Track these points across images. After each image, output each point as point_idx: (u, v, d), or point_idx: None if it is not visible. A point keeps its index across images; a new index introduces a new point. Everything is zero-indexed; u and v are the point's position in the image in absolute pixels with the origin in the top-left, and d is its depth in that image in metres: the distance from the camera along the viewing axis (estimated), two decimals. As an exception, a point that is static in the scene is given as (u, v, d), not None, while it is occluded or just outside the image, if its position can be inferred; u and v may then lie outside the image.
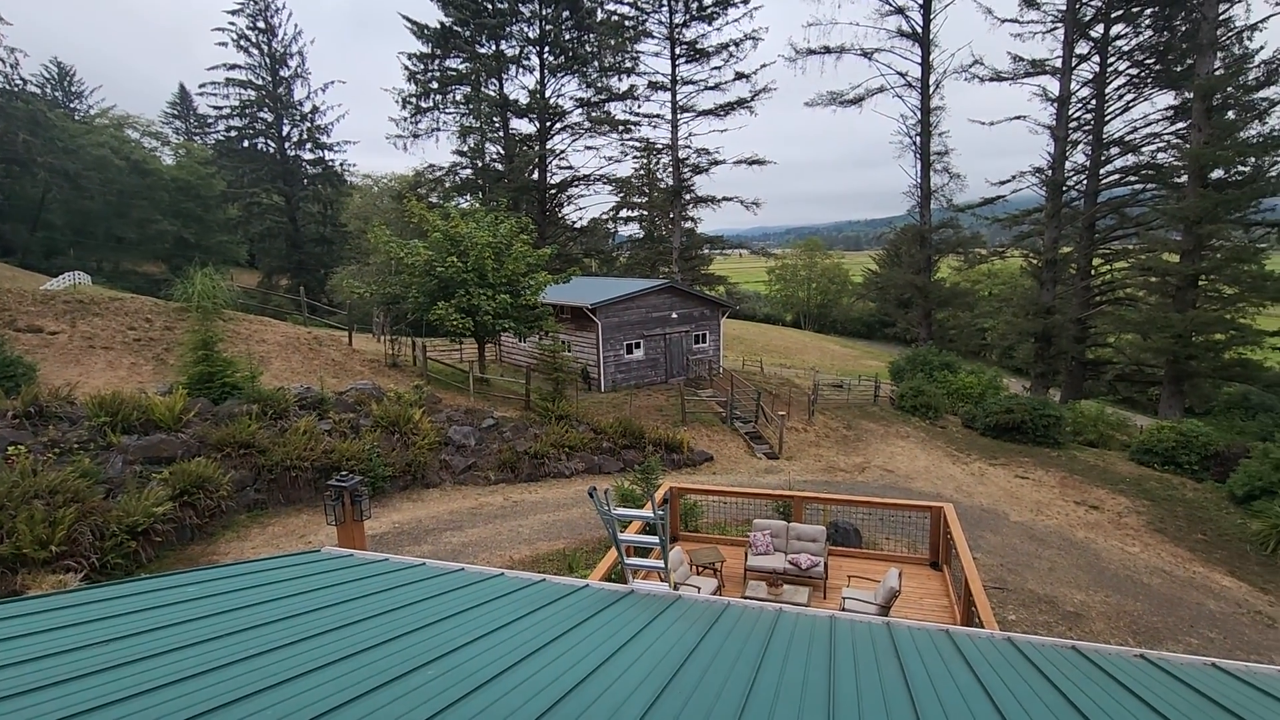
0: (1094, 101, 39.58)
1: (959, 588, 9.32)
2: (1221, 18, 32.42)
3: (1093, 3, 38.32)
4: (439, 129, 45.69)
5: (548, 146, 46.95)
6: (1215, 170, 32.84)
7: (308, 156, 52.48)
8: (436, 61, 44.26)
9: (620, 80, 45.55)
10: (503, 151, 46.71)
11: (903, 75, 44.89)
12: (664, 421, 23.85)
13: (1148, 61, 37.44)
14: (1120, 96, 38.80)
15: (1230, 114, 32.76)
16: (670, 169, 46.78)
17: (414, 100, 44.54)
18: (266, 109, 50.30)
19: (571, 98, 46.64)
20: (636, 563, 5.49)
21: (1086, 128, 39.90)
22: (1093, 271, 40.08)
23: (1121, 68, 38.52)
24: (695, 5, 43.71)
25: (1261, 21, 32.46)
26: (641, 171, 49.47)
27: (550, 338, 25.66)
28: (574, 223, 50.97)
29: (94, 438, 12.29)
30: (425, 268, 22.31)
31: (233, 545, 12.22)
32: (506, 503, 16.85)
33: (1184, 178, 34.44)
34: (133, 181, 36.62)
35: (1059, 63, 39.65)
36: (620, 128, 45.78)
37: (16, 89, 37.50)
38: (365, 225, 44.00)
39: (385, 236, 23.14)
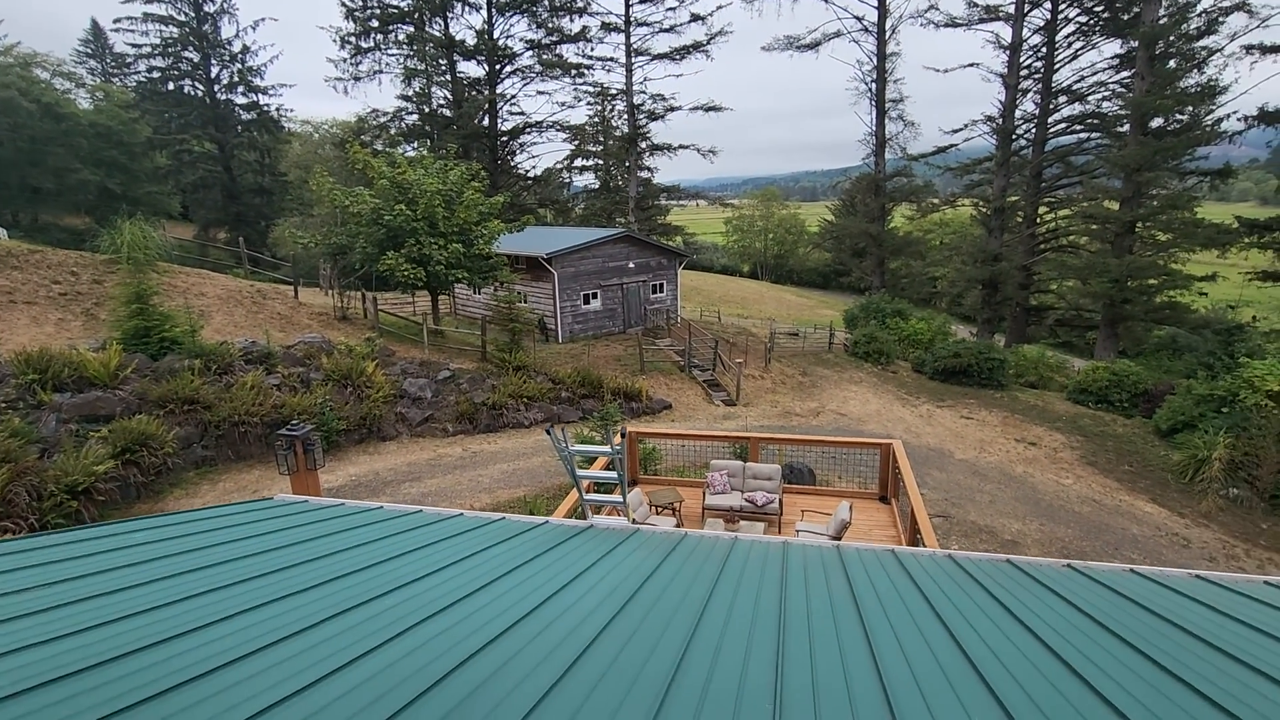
0: (1045, 49, 40.01)
1: (905, 519, 9.76)
2: (1168, -35, 32.89)
3: (1045, -54, 38.38)
4: (381, 71, 43.55)
5: (498, 91, 45.29)
6: (1155, 119, 33.78)
7: (240, 101, 49.39)
8: (376, -3, 41.87)
9: (572, 21, 43.95)
10: (450, 96, 44.87)
11: (859, 20, 44.47)
12: (622, 371, 23.93)
13: (1097, 9, 37.86)
14: (1069, 45, 39.28)
15: (1172, 63, 33.55)
16: (625, 116, 45.76)
17: (353, 40, 42.21)
18: (191, 48, 46.92)
19: (521, 39, 44.87)
20: (596, 498, 5.55)
21: (1037, 75, 40.41)
22: (1038, 219, 41.21)
23: (1072, 15, 38.88)
24: (649, -59, 42.15)
25: (1204, -31, 33.04)
26: (596, 118, 48.26)
27: (505, 289, 25.25)
28: (527, 172, 49.68)
29: (22, 396, 11.68)
30: (372, 216, 21.52)
31: (181, 502, 11.92)
32: (465, 453, 16.80)
33: (1126, 126, 35.36)
34: (46, 126, 33.90)
35: (1012, 9, 39.80)
36: (573, 71, 44.37)
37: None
38: (306, 175, 42.02)
39: (329, 185, 22.16)
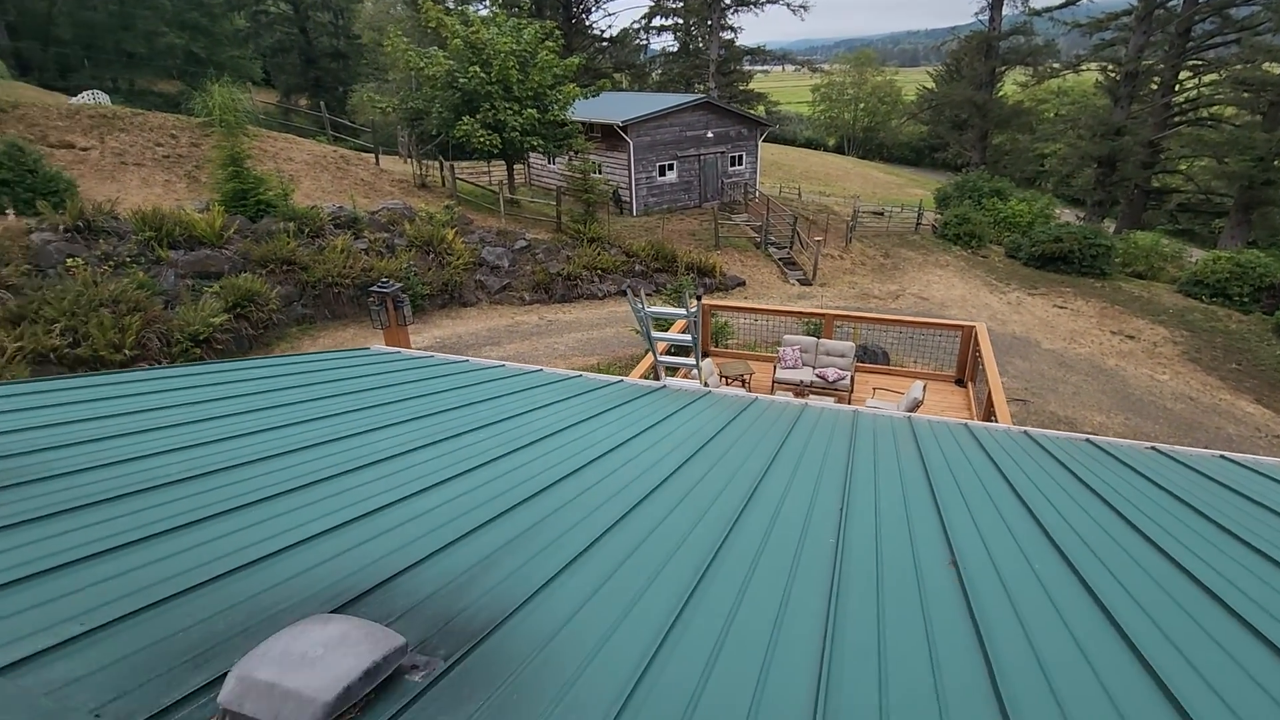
0: None
1: (981, 405, 9.61)
2: None
3: None
4: (453, -81, 40.87)
5: (573, -61, 42.03)
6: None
7: (313, -44, 47.98)
8: None
9: None
10: (523, -54, 41.96)
11: None
12: (696, 246, 23.58)
13: None
14: None
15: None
16: (710, -34, 41.87)
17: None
18: (262, -102, 45.28)
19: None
20: (670, 360, 5.72)
21: (1202, -95, 33.95)
22: (1176, 86, 36.21)
23: None
24: None
25: None
26: (677, -30, 44.42)
27: (580, 158, 24.75)
28: (602, 33, 46.92)
29: (143, 252, 12.70)
30: (447, 79, 21.13)
31: (287, 353, 13.01)
32: (541, 321, 17.36)
33: (1307, -31, 29.73)
34: (132, -13, 34.16)
35: None
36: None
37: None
38: (380, 36, 41.13)
39: (403, 46, 21.71)
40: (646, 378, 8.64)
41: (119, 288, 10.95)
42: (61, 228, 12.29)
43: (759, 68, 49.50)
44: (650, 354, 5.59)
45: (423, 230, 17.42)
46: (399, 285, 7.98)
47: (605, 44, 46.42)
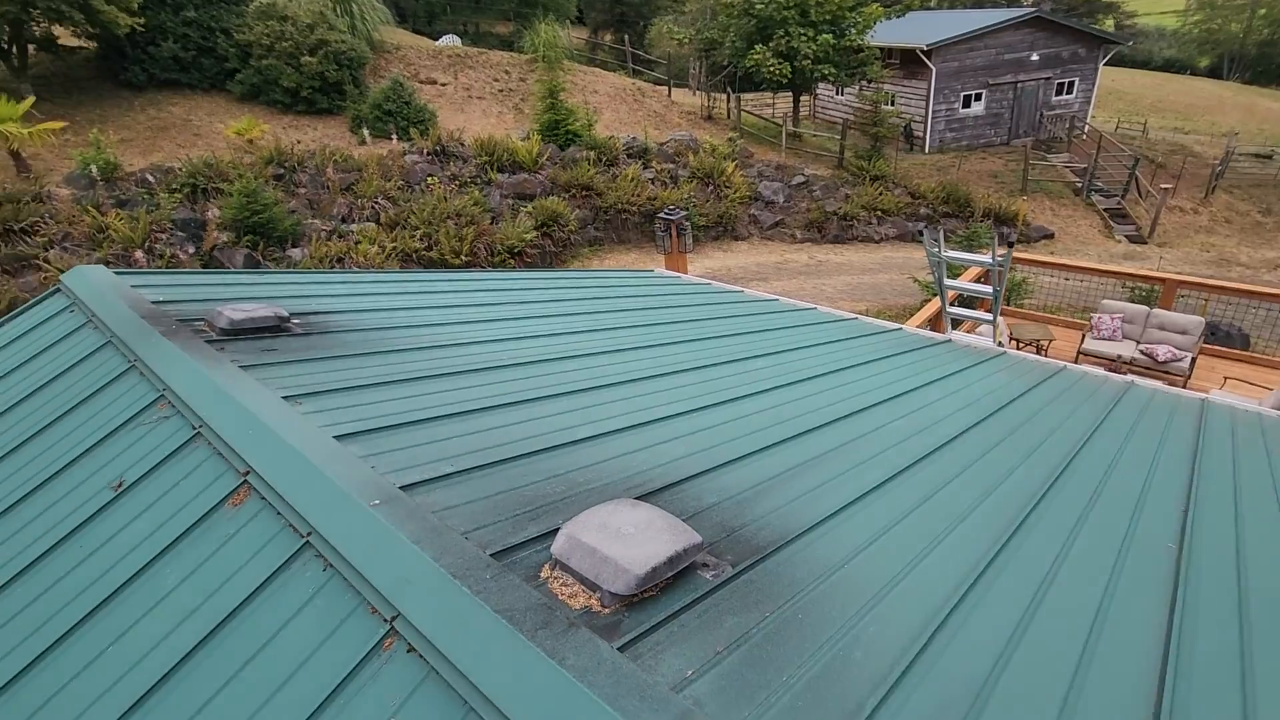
0: None
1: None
2: None
3: None
4: None
5: None
6: None
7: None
8: None
9: None
10: None
11: None
12: (998, 189, 20.68)
13: None
14: None
15: None
16: None
17: None
18: None
19: None
20: (961, 312, 5.17)
21: None
22: None
23: None
24: None
25: None
26: None
27: (873, 88, 22.87)
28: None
29: (479, 174, 15.01)
30: (743, 6, 20.78)
31: (579, 269, 14.53)
32: (811, 261, 16.88)
33: None
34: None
35: None
36: None
37: None
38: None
39: (704, -27, 21.76)
40: (926, 326, 7.97)
41: (461, 204, 13.17)
42: (425, 151, 15.05)
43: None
44: (939, 301, 5.10)
45: (705, 162, 17.79)
46: (684, 212, 8.30)
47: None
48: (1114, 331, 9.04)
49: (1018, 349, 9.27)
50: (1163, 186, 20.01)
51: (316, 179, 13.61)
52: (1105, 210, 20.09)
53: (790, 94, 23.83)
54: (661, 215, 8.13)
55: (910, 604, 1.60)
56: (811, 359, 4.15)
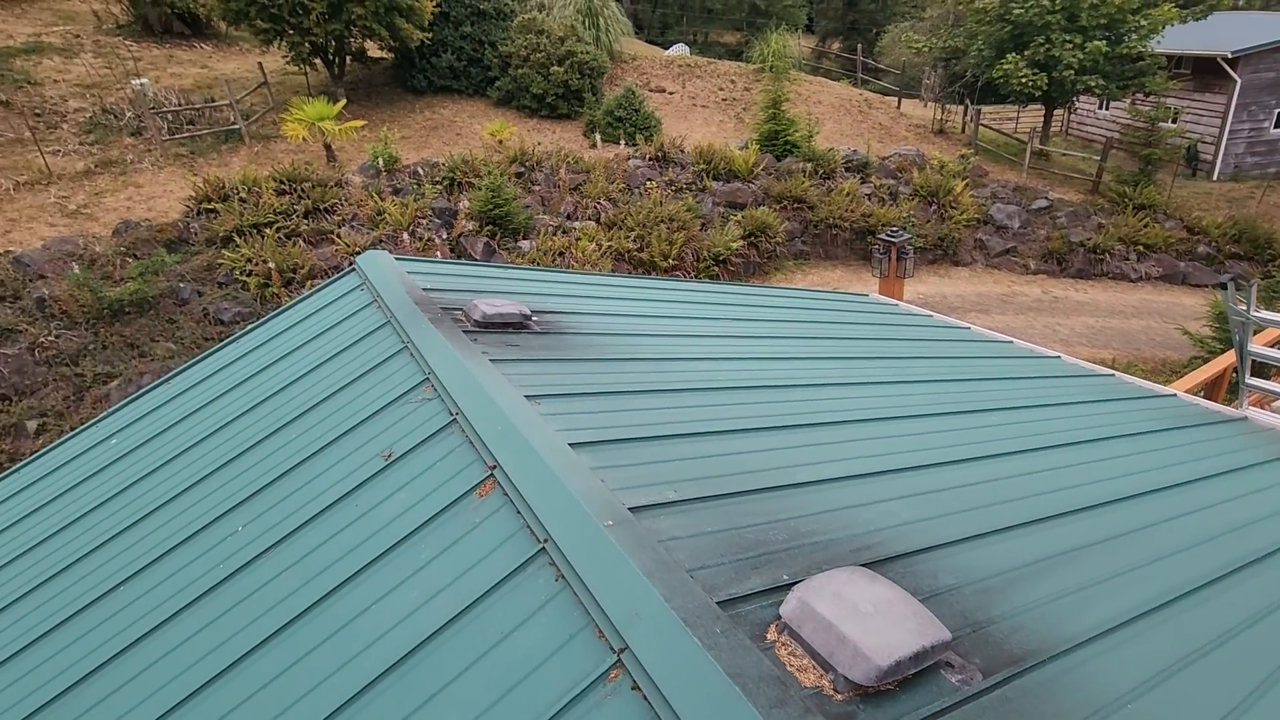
0: None
1: None
2: None
3: None
4: None
5: None
6: None
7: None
8: None
9: None
10: None
11: None
12: (1316, 231, 16.75)
13: None
14: None
15: None
16: None
17: None
18: None
19: None
20: (1264, 385, 4.22)
21: None
22: None
23: None
24: None
25: None
26: None
27: (1153, 103, 19.66)
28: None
29: (695, 181, 15.33)
30: (998, 12, 18.91)
31: (782, 283, 14.23)
32: (1044, 296, 14.98)
33: None
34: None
35: None
36: None
37: None
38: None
39: (957, -24, 20.16)
40: (1200, 392, 6.67)
41: (674, 209, 13.56)
42: (648, 156, 15.74)
43: None
44: (1237, 370, 4.22)
45: (930, 179, 16.53)
46: (907, 236, 7.76)
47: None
48: None
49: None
50: None
51: (550, 178, 14.79)
52: None
53: (1042, 107, 21.30)
54: (883, 236, 7.66)
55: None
56: (1060, 421, 3.63)
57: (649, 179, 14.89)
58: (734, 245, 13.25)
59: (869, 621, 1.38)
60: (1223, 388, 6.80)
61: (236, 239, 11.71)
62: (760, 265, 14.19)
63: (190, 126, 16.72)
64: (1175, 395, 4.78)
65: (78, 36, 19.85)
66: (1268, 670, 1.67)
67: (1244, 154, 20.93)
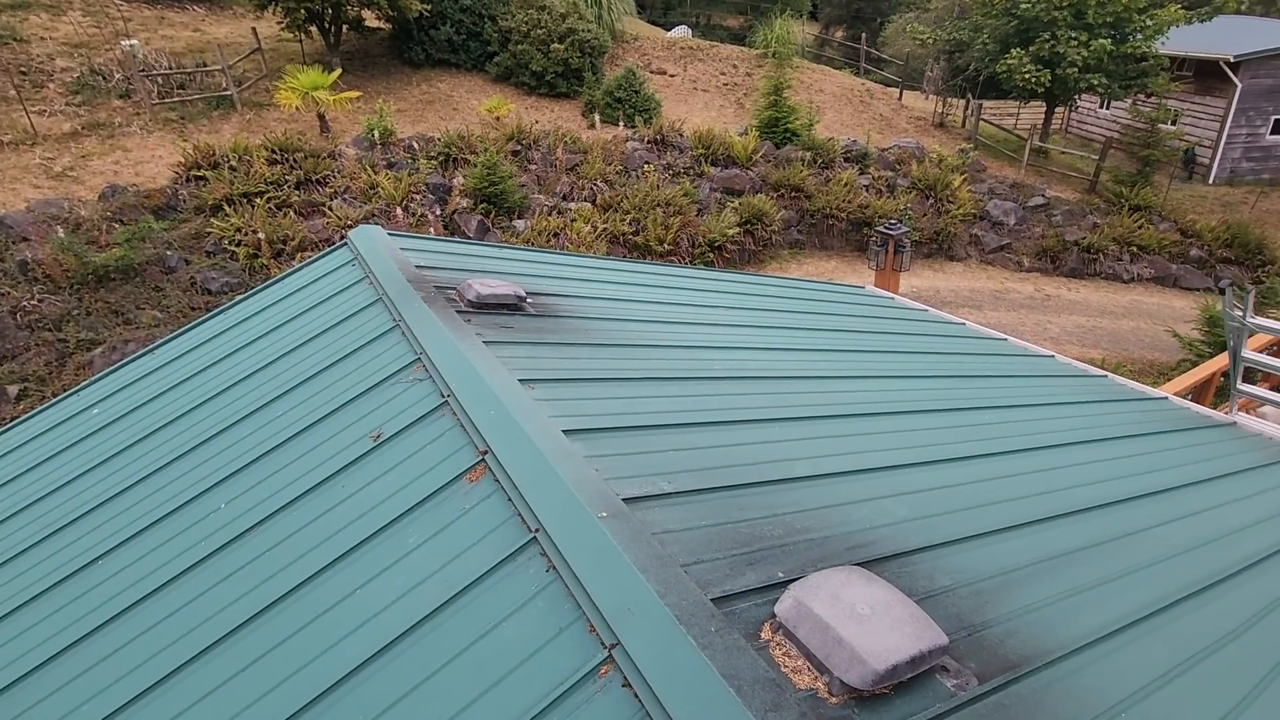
0: None
1: None
2: None
3: None
4: None
5: None
6: None
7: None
8: None
9: None
10: None
11: None
12: (1307, 238, 16.88)
13: None
14: None
15: None
16: None
17: None
18: None
19: None
20: (1256, 392, 4.23)
21: None
22: None
23: None
24: None
25: None
26: None
27: (1152, 103, 19.65)
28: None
29: (693, 166, 15.18)
30: (1005, 6, 18.77)
31: (776, 271, 14.17)
32: (1037, 294, 15.03)
33: None
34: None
35: None
36: None
37: None
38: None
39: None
40: (1189, 395, 6.71)
41: (671, 194, 13.43)
42: (646, 139, 15.55)
43: None
44: (1230, 375, 4.23)
45: (928, 173, 16.48)
46: (905, 228, 7.71)
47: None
48: None
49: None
50: None
51: (547, 157, 14.59)
52: None
53: (1043, 104, 21.24)
54: (881, 229, 7.61)
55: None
56: (1054, 421, 3.63)
57: (647, 162, 14.73)
58: (730, 232, 13.16)
59: (866, 624, 1.35)
60: (1210, 392, 6.84)
61: (226, 208, 11.50)
62: (756, 253, 14.12)
63: (181, 91, 16.36)
64: (1167, 399, 4.79)
65: (66, -8, 19.32)
66: (1260, 676, 1.66)
67: (1240, 158, 20.99)
